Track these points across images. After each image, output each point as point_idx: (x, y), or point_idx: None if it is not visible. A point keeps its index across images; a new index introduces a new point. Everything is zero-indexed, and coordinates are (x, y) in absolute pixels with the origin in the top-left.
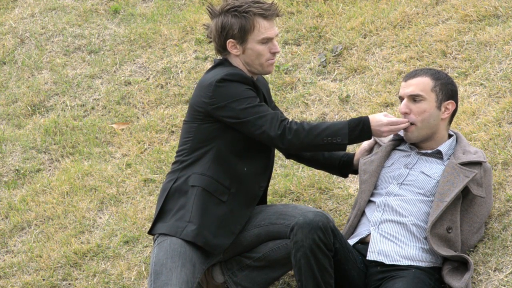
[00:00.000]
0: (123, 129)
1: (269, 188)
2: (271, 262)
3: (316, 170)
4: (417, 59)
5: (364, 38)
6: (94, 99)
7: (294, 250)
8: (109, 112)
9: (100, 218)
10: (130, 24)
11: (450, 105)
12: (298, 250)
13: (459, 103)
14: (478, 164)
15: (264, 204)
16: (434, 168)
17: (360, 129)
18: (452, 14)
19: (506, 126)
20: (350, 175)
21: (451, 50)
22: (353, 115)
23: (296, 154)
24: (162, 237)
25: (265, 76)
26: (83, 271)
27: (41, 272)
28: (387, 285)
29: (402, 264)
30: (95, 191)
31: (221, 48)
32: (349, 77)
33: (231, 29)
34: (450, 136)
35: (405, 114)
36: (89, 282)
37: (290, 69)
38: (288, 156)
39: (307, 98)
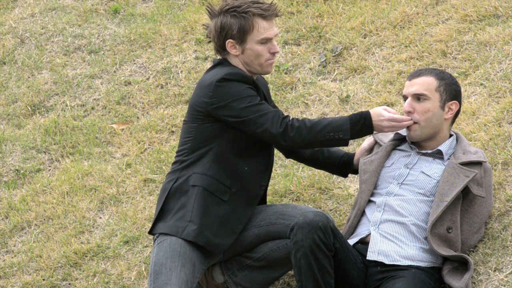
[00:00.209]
0: (123, 129)
1: (269, 188)
2: (271, 262)
3: (316, 170)
4: (417, 59)
5: (364, 38)
6: (94, 99)
7: (294, 250)
8: (109, 112)
9: (100, 218)
10: (130, 24)
11: (453, 105)
12: (298, 250)
13: None
14: (478, 164)
15: (264, 204)
16: (434, 168)
17: (362, 124)
18: (452, 14)
19: (506, 126)
20: (350, 175)
21: (451, 50)
22: None
23: (296, 153)
24: (162, 237)
25: (265, 76)
26: (83, 271)
27: (41, 272)
28: (387, 285)
29: (402, 264)
30: (95, 191)
31: (221, 48)
32: (349, 77)
33: (230, 29)
34: (450, 136)
35: (409, 113)
36: (89, 282)
37: (290, 69)
38: (287, 155)
39: (307, 98)
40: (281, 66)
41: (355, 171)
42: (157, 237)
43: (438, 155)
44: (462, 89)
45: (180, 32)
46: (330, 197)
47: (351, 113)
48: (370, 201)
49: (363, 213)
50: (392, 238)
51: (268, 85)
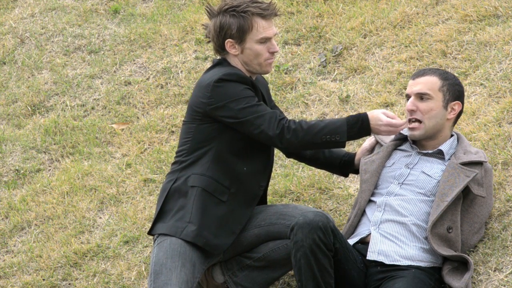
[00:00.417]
0: (123, 129)
1: (269, 188)
2: (271, 262)
3: (316, 170)
4: (417, 59)
5: (364, 38)
6: (94, 99)
7: (294, 250)
8: (109, 112)
9: (100, 218)
10: (130, 24)
11: (456, 105)
12: (298, 250)
13: None
14: (479, 164)
15: (264, 204)
16: (435, 168)
17: (359, 126)
18: (452, 14)
19: (506, 126)
20: (350, 175)
21: (451, 50)
22: None
23: (296, 153)
24: (162, 237)
25: (264, 76)
26: (83, 271)
27: (41, 272)
28: (387, 285)
29: (402, 264)
30: (95, 191)
31: (220, 48)
32: (349, 77)
33: (229, 29)
34: (451, 136)
35: (412, 111)
36: (89, 282)
37: (290, 69)
38: (288, 155)
39: (307, 98)
40: (281, 66)
41: (356, 171)
42: (157, 237)
43: (439, 155)
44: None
45: (180, 32)
46: (330, 197)
47: (351, 113)
48: (370, 201)
49: (363, 213)
50: (392, 238)
51: (268, 85)
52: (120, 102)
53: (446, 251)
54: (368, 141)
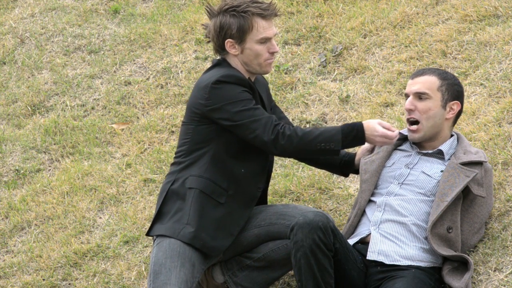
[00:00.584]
0: (123, 129)
1: (269, 188)
2: (271, 262)
3: (316, 170)
4: (417, 59)
5: (364, 38)
6: (94, 99)
7: (294, 250)
8: (109, 112)
9: (100, 218)
10: (130, 24)
11: (455, 105)
12: (298, 250)
13: None
14: (478, 164)
15: (264, 204)
16: (434, 168)
17: (354, 135)
18: (452, 14)
19: (506, 126)
20: (350, 175)
21: (451, 50)
22: (353, 115)
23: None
24: (161, 238)
25: (265, 76)
26: (83, 271)
27: (41, 272)
28: (387, 285)
29: (402, 264)
30: (95, 191)
31: (220, 48)
32: (349, 77)
33: (229, 29)
34: (451, 136)
35: (410, 111)
36: (89, 282)
37: (290, 69)
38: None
39: (307, 98)
40: (281, 66)
41: (356, 171)
42: (156, 238)
43: (439, 155)
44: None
45: (180, 32)
46: (330, 197)
47: (351, 113)
48: (370, 201)
49: (363, 213)
50: (392, 238)
51: (268, 85)
52: (120, 102)
53: (446, 251)
54: None
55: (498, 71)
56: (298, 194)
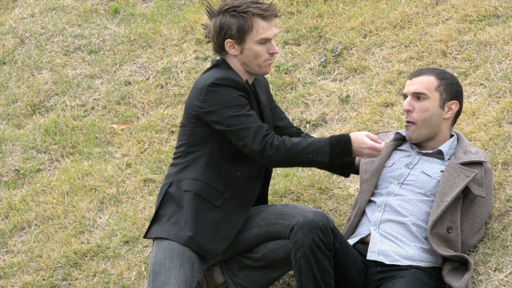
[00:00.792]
0: (123, 129)
1: (269, 188)
2: (271, 262)
3: (316, 170)
4: (417, 59)
5: (364, 38)
6: (94, 99)
7: (294, 250)
8: (109, 112)
9: (100, 218)
10: (130, 24)
11: (453, 105)
12: (298, 250)
13: None
14: (478, 164)
15: (264, 204)
16: (434, 168)
17: (341, 147)
18: (452, 14)
19: (506, 126)
20: (350, 175)
21: (451, 50)
22: (353, 115)
23: None
24: (160, 239)
25: (265, 76)
26: (83, 271)
27: (41, 272)
28: (387, 285)
29: (402, 264)
30: (95, 191)
31: (219, 48)
32: (349, 77)
33: (229, 29)
34: (451, 136)
35: (408, 111)
36: (89, 282)
37: (290, 69)
38: None
39: (307, 98)
40: (281, 66)
41: (357, 171)
42: (155, 238)
43: (439, 155)
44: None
45: (180, 32)
46: (330, 197)
47: (351, 113)
48: (370, 201)
49: (363, 213)
50: (392, 238)
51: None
52: (120, 102)
53: (446, 251)
54: None
55: (498, 71)
56: (298, 194)
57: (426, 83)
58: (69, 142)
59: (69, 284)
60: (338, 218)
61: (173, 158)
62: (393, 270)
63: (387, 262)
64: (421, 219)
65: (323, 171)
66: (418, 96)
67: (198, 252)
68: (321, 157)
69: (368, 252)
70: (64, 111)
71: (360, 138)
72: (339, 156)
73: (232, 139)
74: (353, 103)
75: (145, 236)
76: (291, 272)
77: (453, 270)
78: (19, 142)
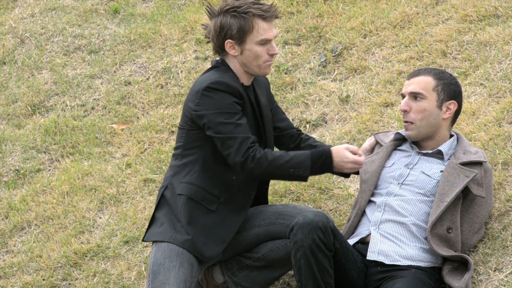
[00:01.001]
0: (123, 129)
1: (269, 188)
2: (271, 262)
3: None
4: (417, 59)
5: (364, 38)
6: (94, 99)
7: (294, 250)
8: (109, 112)
9: (100, 218)
10: (130, 24)
11: (452, 105)
12: (298, 250)
13: None
14: (478, 164)
15: (264, 204)
16: (434, 168)
17: (323, 161)
18: (452, 14)
19: (506, 126)
20: (350, 175)
21: (451, 50)
22: (353, 115)
23: None
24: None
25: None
26: (83, 271)
27: (41, 272)
28: (387, 285)
29: (402, 264)
30: (95, 191)
31: (219, 49)
32: (349, 77)
33: (229, 29)
34: (451, 136)
35: (405, 111)
36: (89, 282)
37: (290, 69)
38: None
39: (307, 98)
40: (281, 66)
41: (357, 171)
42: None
43: (439, 155)
44: (462, 89)
45: (180, 32)
46: (330, 197)
47: (351, 113)
48: (370, 201)
49: (363, 213)
50: (393, 238)
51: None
52: (120, 102)
53: (446, 252)
54: (368, 141)
55: (498, 71)
56: (298, 194)
57: (424, 83)
58: (69, 142)
59: (69, 284)
60: (338, 218)
61: (171, 159)
62: (393, 270)
63: (387, 262)
64: (421, 219)
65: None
66: (415, 96)
67: (194, 254)
68: (302, 172)
69: (368, 252)
70: (64, 111)
71: (342, 152)
72: (320, 171)
73: (218, 146)
74: (353, 103)
75: (143, 240)
76: (291, 272)
77: (453, 270)
78: (19, 142)
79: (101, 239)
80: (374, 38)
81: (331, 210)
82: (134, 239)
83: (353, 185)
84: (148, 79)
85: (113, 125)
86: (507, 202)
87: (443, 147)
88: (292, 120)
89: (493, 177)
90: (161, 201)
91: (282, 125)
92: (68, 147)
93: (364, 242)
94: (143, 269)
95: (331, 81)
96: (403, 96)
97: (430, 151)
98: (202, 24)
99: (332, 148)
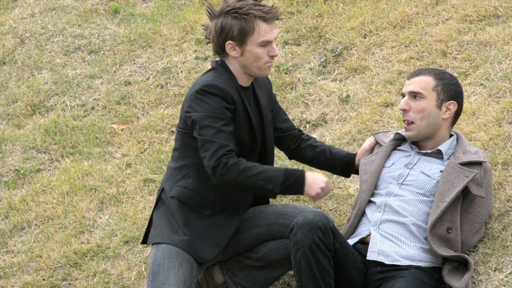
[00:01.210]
0: (123, 129)
1: None
2: (270, 262)
3: (316, 170)
4: (417, 59)
5: (364, 38)
6: (94, 99)
7: (294, 250)
8: (109, 112)
9: (100, 218)
10: (130, 24)
11: (451, 105)
12: (298, 250)
13: None
14: (478, 164)
15: (264, 204)
16: (434, 168)
17: (294, 181)
18: (452, 14)
19: (506, 126)
20: (351, 175)
21: (451, 50)
22: (353, 115)
23: (299, 154)
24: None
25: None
26: (83, 271)
27: (41, 272)
28: (387, 285)
29: (402, 264)
30: (95, 191)
31: (220, 50)
32: (349, 77)
33: (230, 30)
34: (450, 136)
35: (404, 111)
36: (89, 282)
37: (290, 69)
38: (290, 157)
39: (307, 98)
40: (281, 66)
41: (357, 171)
42: None
43: (438, 154)
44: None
45: (180, 32)
46: (330, 197)
47: (351, 113)
48: (370, 201)
49: (363, 213)
50: (392, 238)
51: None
52: (120, 102)
53: (445, 252)
54: (368, 141)
55: (498, 71)
56: None
57: (424, 83)
58: (69, 142)
59: (69, 284)
60: (338, 218)
61: (169, 160)
62: (393, 270)
63: (387, 262)
64: (420, 219)
65: (323, 171)
66: (414, 95)
67: (191, 255)
68: (272, 187)
69: (368, 252)
70: (64, 111)
71: (316, 177)
72: (289, 190)
73: (199, 147)
74: (353, 103)
75: (142, 243)
76: (291, 272)
77: (453, 270)
78: (19, 142)
79: (101, 239)
80: (374, 38)
81: (331, 210)
82: (134, 239)
83: (353, 185)
84: (148, 79)
85: (113, 125)
86: (507, 202)
87: (443, 147)
88: (292, 120)
89: (493, 177)
90: (159, 203)
91: (283, 126)
92: (68, 147)
93: (364, 242)
94: (143, 269)
95: (331, 81)
96: (403, 96)
97: (429, 151)
98: (203, 25)
99: (308, 172)
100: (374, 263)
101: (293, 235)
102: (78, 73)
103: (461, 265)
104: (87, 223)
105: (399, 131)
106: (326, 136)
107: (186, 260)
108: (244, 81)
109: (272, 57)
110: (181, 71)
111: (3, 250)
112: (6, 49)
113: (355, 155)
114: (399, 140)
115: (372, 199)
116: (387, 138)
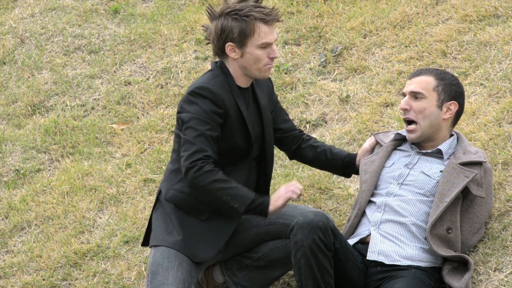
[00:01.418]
0: (123, 129)
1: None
2: (271, 262)
3: (316, 170)
4: (417, 59)
5: (364, 38)
6: (94, 99)
7: (294, 250)
8: (109, 112)
9: (100, 218)
10: (130, 24)
11: (452, 105)
12: (298, 250)
13: None
14: (478, 164)
15: None
16: (434, 168)
17: (259, 204)
18: (452, 14)
19: (506, 126)
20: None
21: (451, 50)
22: (353, 115)
23: (299, 154)
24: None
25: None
26: (83, 271)
27: (41, 272)
28: (387, 285)
29: (402, 264)
30: (95, 191)
31: (220, 51)
32: (349, 77)
33: (231, 32)
34: (451, 135)
35: (405, 110)
36: (89, 282)
37: (290, 69)
38: (291, 157)
39: (307, 98)
40: (281, 66)
41: (357, 171)
42: None
43: (438, 154)
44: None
45: (180, 32)
46: (330, 197)
47: (351, 113)
48: (370, 202)
49: (363, 213)
50: (392, 238)
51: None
52: (120, 102)
53: (445, 252)
54: (368, 141)
55: (498, 71)
56: None
57: (424, 83)
58: (69, 142)
59: (69, 284)
60: (338, 218)
61: (168, 161)
62: (393, 270)
63: (387, 262)
64: (420, 219)
65: (323, 171)
66: (415, 95)
67: (185, 254)
68: (237, 205)
69: (368, 252)
70: (64, 111)
71: (276, 193)
72: (253, 212)
73: (181, 146)
74: (353, 103)
75: (142, 245)
76: (291, 272)
77: (453, 270)
78: (19, 142)
79: (101, 239)
80: (374, 38)
81: (331, 210)
82: (134, 239)
83: (353, 185)
84: (148, 79)
85: (113, 125)
86: (507, 202)
87: (443, 146)
88: (292, 120)
89: (493, 177)
90: (157, 204)
91: (285, 126)
92: (68, 147)
93: (364, 242)
94: (143, 269)
95: (331, 81)
96: (404, 95)
97: (429, 151)
98: (203, 26)
99: (270, 199)
100: (374, 263)
101: (293, 235)
102: (78, 73)
103: (461, 265)
104: (87, 223)
105: (399, 131)
106: (326, 136)
107: (185, 260)
108: (243, 82)
109: (272, 59)
110: (181, 71)
111: (3, 250)
112: (6, 49)
113: (355, 155)
114: (400, 140)
115: (372, 199)
116: (387, 138)
